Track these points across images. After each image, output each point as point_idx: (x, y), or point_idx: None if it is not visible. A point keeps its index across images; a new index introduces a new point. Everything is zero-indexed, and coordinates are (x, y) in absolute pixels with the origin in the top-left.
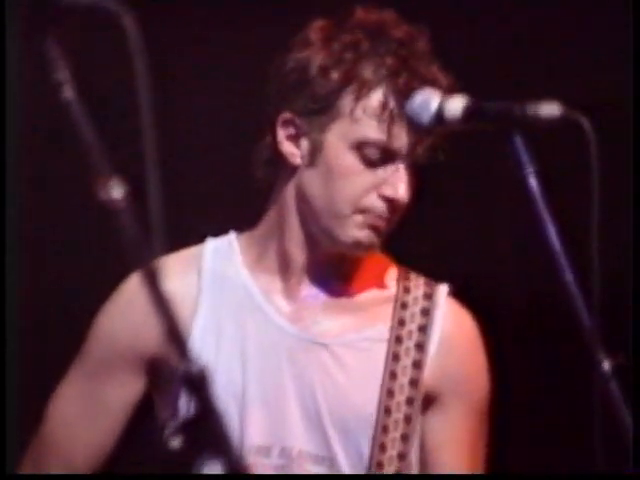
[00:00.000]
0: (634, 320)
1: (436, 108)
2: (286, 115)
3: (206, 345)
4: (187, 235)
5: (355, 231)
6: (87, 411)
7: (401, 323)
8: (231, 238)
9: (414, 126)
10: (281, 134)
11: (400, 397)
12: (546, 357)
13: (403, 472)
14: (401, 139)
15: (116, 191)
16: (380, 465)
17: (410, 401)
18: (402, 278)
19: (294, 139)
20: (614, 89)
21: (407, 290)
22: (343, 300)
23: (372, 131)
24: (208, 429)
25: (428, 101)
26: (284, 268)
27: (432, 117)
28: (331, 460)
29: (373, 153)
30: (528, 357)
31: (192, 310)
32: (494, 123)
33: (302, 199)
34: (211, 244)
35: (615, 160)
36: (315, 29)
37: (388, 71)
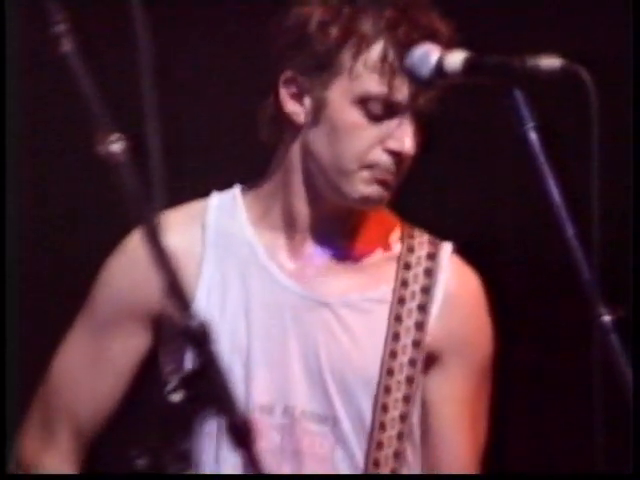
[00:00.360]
0: (634, 274)
1: (436, 61)
2: (288, 74)
3: (211, 302)
4: (188, 190)
5: (363, 187)
6: (92, 366)
7: (404, 284)
8: (235, 193)
9: (414, 79)
10: (284, 93)
11: (403, 358)
12: (548, 311)
13: (405, 434)
14: (403, 91)
15: (116, 145)
16: (382, 426)
17: (413, 362)
18: (406, 236)
19: (297, 97)
20: (614, 41)
21: (411, 249)
22: (347, 259)
23: (374, 85)
24: (210, 383)
25: (428, 54)
26: (289, 225)
27: (432, 70)
28: (334, 420)
29: (376, 107)
30: (530, 312)
31: (197, 266)
32: (494, 77)
33: (308, 157)
34: (215, 199)
35: (616, 112)
36: None
37: (387, 23)
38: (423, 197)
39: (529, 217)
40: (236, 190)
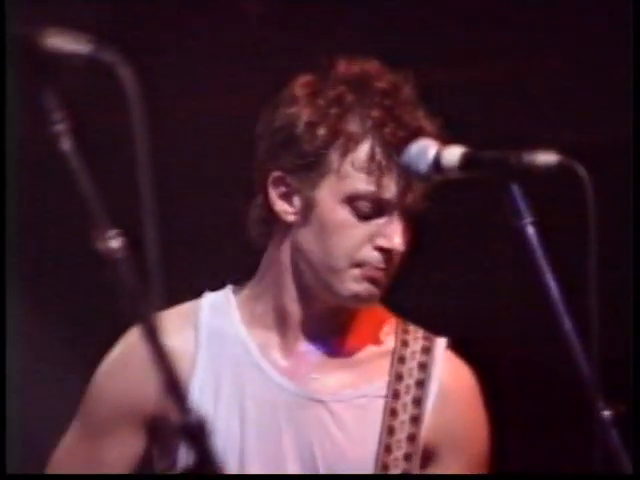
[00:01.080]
0: (634, 368)
1: (433, 157)
2: (276, 174)
3: (204, 402)
4: (185, 287)
5: (353, 284)
6: (87, 471)
7: (399, 378)
8: (228, 293)
9: (410, 176)
10: (273, 193)
11: (398, 453)
12: (546, 406)
13: None
14: (391, 189)
15: (114, 242)
16: None
17: (408, 457)
18: (400, 331)
19: (286, 197)
20: (614, 136)
21: (405, 344)
22: (340, 355)
23: (361, 184)
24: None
25: (425, 150)
26: (281, 324)
27: (429, 166)
28: None
29: (365, 206)
30: (528, 407)
31: (190, 367)
32: (491, 172)
33: (298, 255)
34: (208, 299)
35: (612, 207)
36: (300, 85)
37: (374, 123)
38: (419, 291)
39: (527, 311)
40: (228, 289)
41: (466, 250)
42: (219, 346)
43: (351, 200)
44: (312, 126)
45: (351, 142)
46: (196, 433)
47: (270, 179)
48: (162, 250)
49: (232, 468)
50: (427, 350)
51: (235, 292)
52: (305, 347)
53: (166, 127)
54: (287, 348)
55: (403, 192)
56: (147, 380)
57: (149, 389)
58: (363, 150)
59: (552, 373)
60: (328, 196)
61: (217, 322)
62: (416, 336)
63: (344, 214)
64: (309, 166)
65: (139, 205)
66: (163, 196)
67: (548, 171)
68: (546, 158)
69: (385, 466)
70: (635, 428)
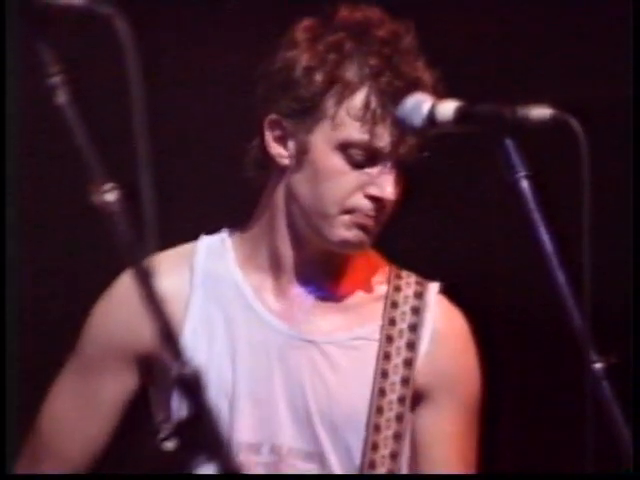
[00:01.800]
0: (626, 320)
1: (428, 111)
2: (273, 117)
3: (197, 343)
4: (180, 236)
5: (343, 230)
6: (81, 407)
7: (392, 322)
8: (224, 236)
9: (405, 128)
10: (268, 135)
11: (392, 396)
12: (538, 356)
13: (395, 472)
14: (385, 139)
15: (109, 195)
16: (372, 464)
17: (402, 400)
18: (393, 276)
19: (281, 140)
20: (611, 91)
21: (398, 289)
22: (334, 299)
23: (355, 132)
24: (201, 431)
25: (420, 104)
26: (275, 267)
27: (424, 120)
28: (320, 457)
29: (357, 154)
30: (519, 355)
31: (184, 308)
32: (485, 126)
33: (291, 199)
34: (204, 241)
35: (607, 161)
36: (301, 29)
37: (371, 71)
38: (412, 238)
39: (519, 259)
40: (224, 233)
41: (459, 195)
42: (213, 288)
43: (344, 147)
44: (310, 71)
45: (347, 89)
46: (190, 385)
47: (266, 121)
48: (158, 203)
49: (223, 409)
50: (419, 295)
51: (231, 235)
52: (298, 290)
53: (162, 79)
54: (280, 291)
55: (397, 142)
56: (141, 320)
57: (143, 329)
58: (359, 98)
59: (545, 320)
60: (322, 142)
61: (212, 264)
62: (409, 281)
63: (337, 161)
64: (305, 111)
65: (135, 158)
66: (159, 145)
67: (542, 125)
68: (540, 112)
69: (379, 409)
70: (635, 426)
